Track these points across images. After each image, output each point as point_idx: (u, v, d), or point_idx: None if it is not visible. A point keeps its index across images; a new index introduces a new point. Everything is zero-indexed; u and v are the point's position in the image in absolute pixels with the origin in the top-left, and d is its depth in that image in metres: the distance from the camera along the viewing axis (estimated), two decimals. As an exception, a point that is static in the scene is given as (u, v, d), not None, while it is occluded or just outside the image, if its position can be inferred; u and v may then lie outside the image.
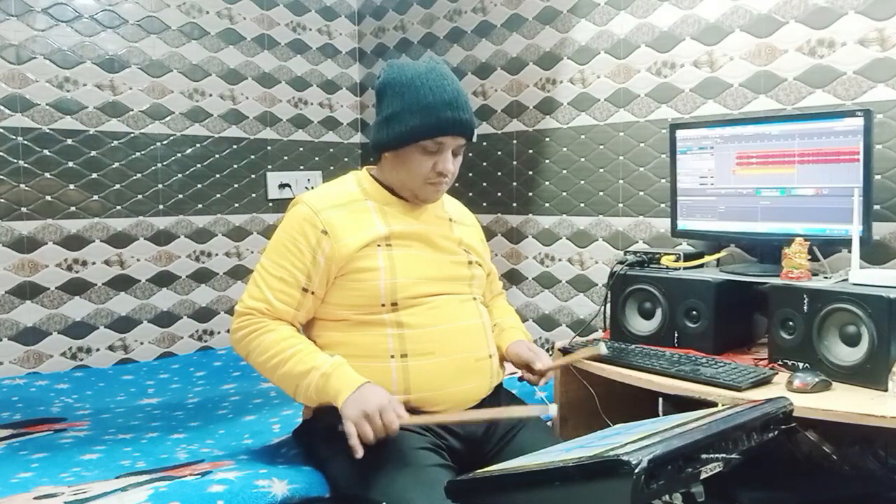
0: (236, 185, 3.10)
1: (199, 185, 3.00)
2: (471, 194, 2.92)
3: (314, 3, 3.31)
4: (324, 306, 1.56)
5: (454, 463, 1.47)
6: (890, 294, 1.55)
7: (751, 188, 2.01)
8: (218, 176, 3.05)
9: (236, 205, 3.10)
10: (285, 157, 3.24)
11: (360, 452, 1.36)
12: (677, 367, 1.74)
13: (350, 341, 1.53)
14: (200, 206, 3.00)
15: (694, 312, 1.94)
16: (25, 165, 2.62)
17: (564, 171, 2.66)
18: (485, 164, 2.94)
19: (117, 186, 2.80)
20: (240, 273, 3.07)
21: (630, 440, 1.04)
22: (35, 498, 1.44)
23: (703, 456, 1.04)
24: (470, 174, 2.95)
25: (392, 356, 1.51)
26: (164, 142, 2.91)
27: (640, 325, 2.05)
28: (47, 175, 2.66)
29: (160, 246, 2.91)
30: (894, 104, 1.91)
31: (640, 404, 1.83)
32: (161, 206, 2.91)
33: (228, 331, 1.61)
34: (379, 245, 1.54)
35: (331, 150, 3.39)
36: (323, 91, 3.35)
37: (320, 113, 3.35)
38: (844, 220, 1.80)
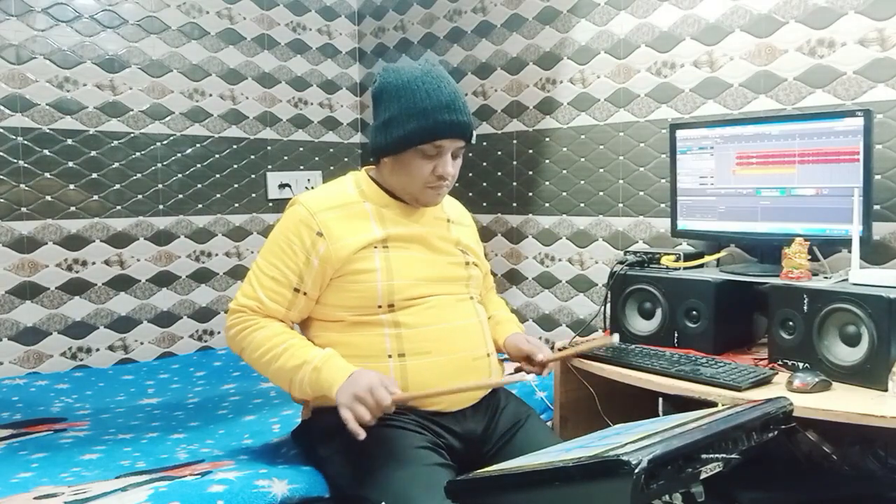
0: (236, 185, 3.10)
1: (199, 185, 3.00)
2: (471, 194, 2.92)
3: (314, 3, 3.31)
4: (321, 307, 1.57)
5: (454, 462, 1.47)
6: (890, 294, 1.55)
7: (751, 188, 2.01)
8: (218, 176, 3.05)
9: (236, 205, 3.10)
10: (285, 157, 3.24)
11: (361, 435, 1.37)
12: (677, 367, 1.74)
13: (347, 341, 1.53)
14: (200, 206, 3.00)
15: (694, 312, 1.94)
16: (25, 165, 2.62)
17: (564, 171, 2.66)
18: (485, 164, 2.94)
19: (117, 186, 2.80)
20: (240, 273, 3.07)
21: (630, 440, 1.04)
22: (35, 498, 1.44)
23: (703, 456, 1.04)
24: (470, 174, 2.95)
25: (389, 356, 1.51)
26: (164, 142, 2.91)
27: (640, 325, 2.05)
28: (47, 175, 2.66)
29: (160, 246, 2.91)
30: (894, 104, 1.91)
31: (640, 404, 1.83)
32: (161, 206, 2.91)
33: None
34: (375, 247, 1.54)
35: (331, 150, 3.39)
36: (323, 91, 3.35)
37: (320, 113, 3.35)
38: (844, 220, 1.80)
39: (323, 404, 1.50)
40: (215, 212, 3.05)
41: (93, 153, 2.75)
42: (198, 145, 2.99)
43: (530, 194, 2.78)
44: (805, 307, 1.68)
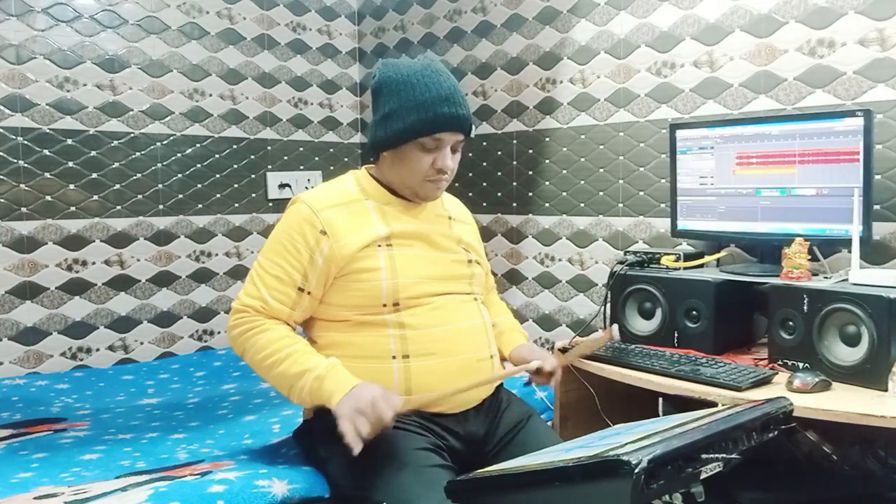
0: (236, 185, 3.10)
1: (199, 185, 3.00)
2: (471, 194, 2.92)
3: (314, 3, 3.31)
4: (325, 307, 1.56)
5: (454, 463, 1.47)
6: (890, 294, 1.56)
7: (751, 188, 2.01)
8: (218, 176, 3.05)
9: (236, 205, 3.10)
10: (285, 157, 3.24)
11: (357, 449, 1.35)
12: (677, 367, 1.74)
13: (351, 342, 1.53)
14: (200, 206, 3.00)
15: (694, 312, 1.94)
16: (25, 165, 2.62)
17: (564, 171, 2.66)
18: (485, 164, 2.94)
19: (117, 186, 2.80)
20: (240, 273, 3.08)
21: (630, 440, 1.04)
22: (35, 498, 1.44)
23: (703, 456, 1.04)
24: (470, 174, 2.95)
25: (394, 357, 1.50)
26: (164, 142, 2.91)
27: (640, 325, 2.05)
28: (47, 175, 2.66)
29: (160, 246, 2.91)
30: (894, 104, 1.91)
31: (640, 404, 1.83)
32: (161, 206, 2.91)
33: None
34: (379, 245, 1.54)
35: (331, 150, 3.39)
36: (323, 91, 3.35)
37: (320, 113, 3.35)
38: (844, 220, 1.80)
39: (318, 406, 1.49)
40: (215, 212, 3.05)
41: (93, 153, 2.75)
42: (198, 145, 2.99)
43: (530, 194, 2.78)
44: (805, 307, 1.68)
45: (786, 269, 1.80)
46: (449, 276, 1.60)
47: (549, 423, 1.93)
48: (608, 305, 2.14)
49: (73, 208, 2.72)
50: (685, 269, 2.05)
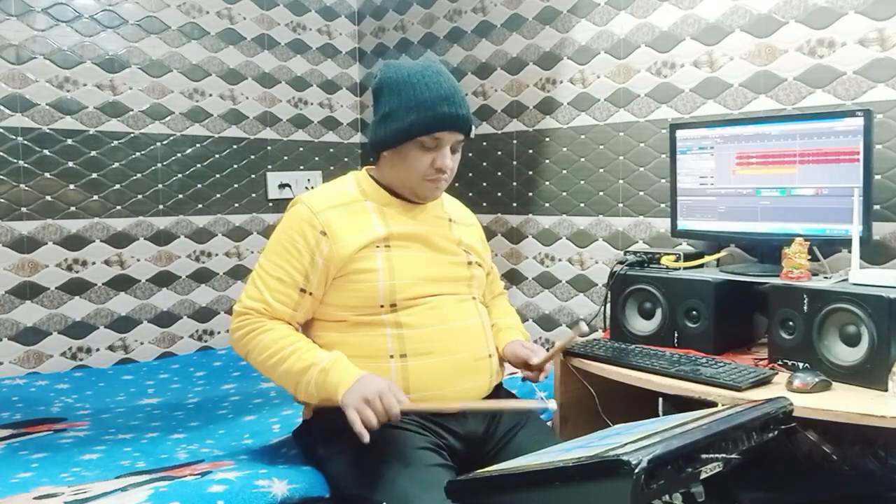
0: (236, 185, 3.10)
1: (199, 185, 3.00)
2: (471, 194, 2.92)
3: (314, 3, 3.31)
4: (323, 307, 1.56)
5: (454, 463, 1.47)
6: (890, 294, 1.55)
7: (751, 188, 2.01)
8: (218, 176, 3.05)
9: (236, 205, 3.10)
10: (285, 157, 3.24)
11: (366, 437, 1.36)
12: (677, 367, 1.74)
13: (349, 342, 1.53)
14: (200, 206, 3.00)
15: (694, 312, 1.94)
16: (25, 165, 2.62)
17: (564, 171, 2.66)
18: (485, 164, 2.94)
19: (117, 186, 2.80)
20: (240, 273, 3.07)
21: (630, 440, 1.04)
22: (35, 498, 1.44)
23: (703, 456, 1.04)
24: (470, 174, 2.95)
25: (391, 356, 1.51)
26: (164, 142, 2.91)
27: (640, 325, 2.05)
28: (47, 175, 2.66)
29: (160, 246, 2.91)
30: (894, 104, 1.91)
31: (640, 404, 1.82)
32: (161, 206, 2.91)
33: (228, 331, 1.61)
34: (378, 246, 1.54)
35: (331, 150, 3.39)
36: (323, 91, 3.35)
37: (320, 113, 3.35)
38: (844, 220, 1.80)
39: (326, 405, 1.49)
40: (215, 212, 3.04)
41: (93, 153, 2.75)
42: (198, 145, 2.99)
43: (530, 194, 2.78)
44: (805, 307, 1.68)
45: (786, 269, 1.80)
46: (447, 277, 1.60)
47: (549, 423, 1.93)
48: (608, 305, 2.14)
49: (73, 208, 2.72)
50: (685, 269, 2.05)
